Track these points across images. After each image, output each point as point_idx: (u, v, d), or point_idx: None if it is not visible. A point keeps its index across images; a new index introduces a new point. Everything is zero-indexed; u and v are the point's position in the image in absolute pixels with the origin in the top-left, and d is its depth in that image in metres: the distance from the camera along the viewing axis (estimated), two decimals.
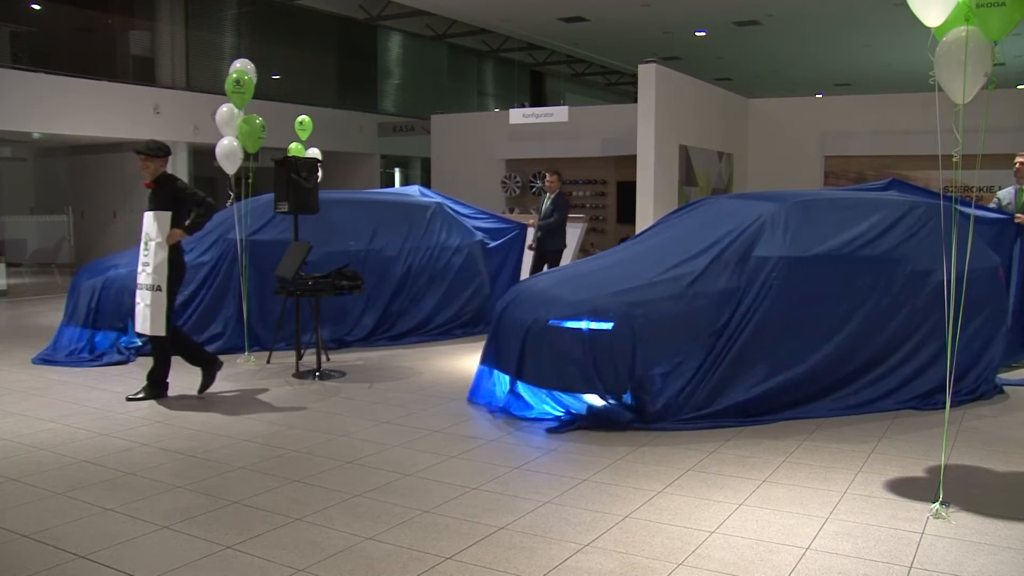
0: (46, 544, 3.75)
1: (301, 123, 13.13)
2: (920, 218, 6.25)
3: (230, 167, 8.23)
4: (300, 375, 7.25)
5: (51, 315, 10.95)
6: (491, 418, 5.92)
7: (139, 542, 3.78)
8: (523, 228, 10.18)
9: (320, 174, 8.10)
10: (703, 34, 18.75)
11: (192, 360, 6.57)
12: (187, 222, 6.22)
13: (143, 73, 16.44)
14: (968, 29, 3.95)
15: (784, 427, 5.57)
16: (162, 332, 6.23)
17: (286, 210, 7.67)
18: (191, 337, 6.91)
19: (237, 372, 7.43)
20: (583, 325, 5.56)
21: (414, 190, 10.31)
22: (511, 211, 16.00)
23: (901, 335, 5.92)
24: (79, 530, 3.91)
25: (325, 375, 7.20)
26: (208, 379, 6.56)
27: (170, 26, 16.77)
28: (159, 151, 6.32)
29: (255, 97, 8.25)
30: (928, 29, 4.10)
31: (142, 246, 6.34)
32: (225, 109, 8.14)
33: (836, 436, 5.37)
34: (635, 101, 11.99)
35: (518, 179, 16.68)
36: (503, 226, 10.11)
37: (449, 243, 9.18)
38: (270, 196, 8.17)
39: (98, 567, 3.53)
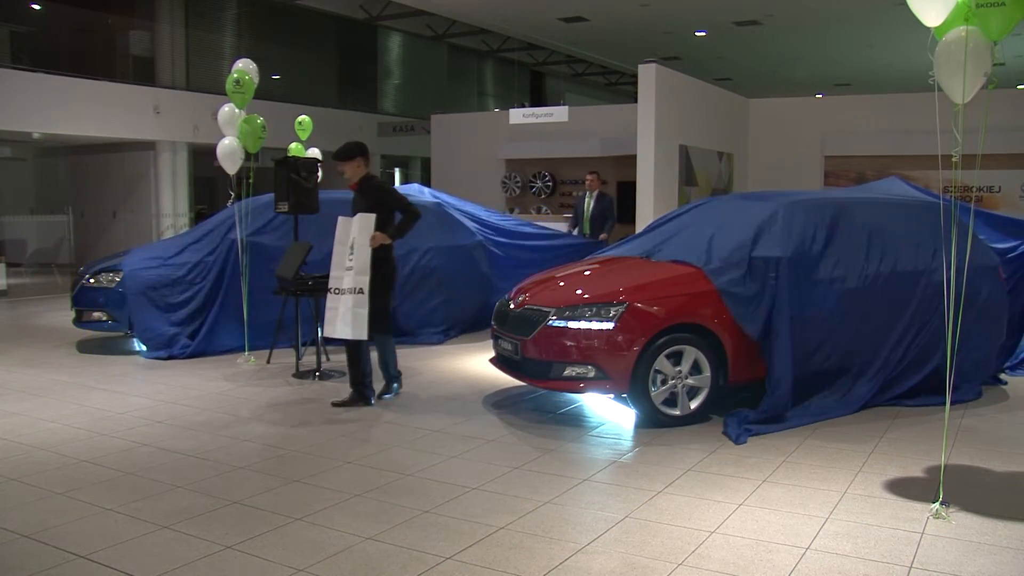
0: (46, 544, 3.76)
1: (301, 123, 13.14)
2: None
3: (231, 167, 8.23)
4: (300, 375, 7.25)
5: (51, 315, 10.96)
6: (491, 418, 5.92)
7: (139, 542, 3.78)
8: (597, 244, 10.16)
9: (320, 174, 8.09)
10: (703, 34, 18.75)
11: (353, 376, 6.35)
12: (392, 228, 6.14)
13: (143, 73, 16.44)
14: (968, 29, 3.95)
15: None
16: (364, 336, 6.05)
17: (286, 210, 7.67)
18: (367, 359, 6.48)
19: (237, 372, 7.43)
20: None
21: (429, 195, 10.22)
22: (512, 211, 16.00)
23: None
24: (79, 530, 3.91)
25: (325, 375, 7.20)
26: (352, 399, 6.29)
27: (170, 26, 16.77)
28: (349, 153, 6.23)
29: (255, 97, 8.25)
30: (928, 29, 4.10)
31: (345, 250, 6.12)
32: (226, 109, 8.14)
33: (836, 436, 5.37)
34: (635, 101, 11.99)
35: (518, 179, 16.67)
36: (574, 244, 10.11)
37: (449, 243, 9.17)
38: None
39: (98, 567, 3.53)
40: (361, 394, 6.28)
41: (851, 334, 5.89)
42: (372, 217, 6.06)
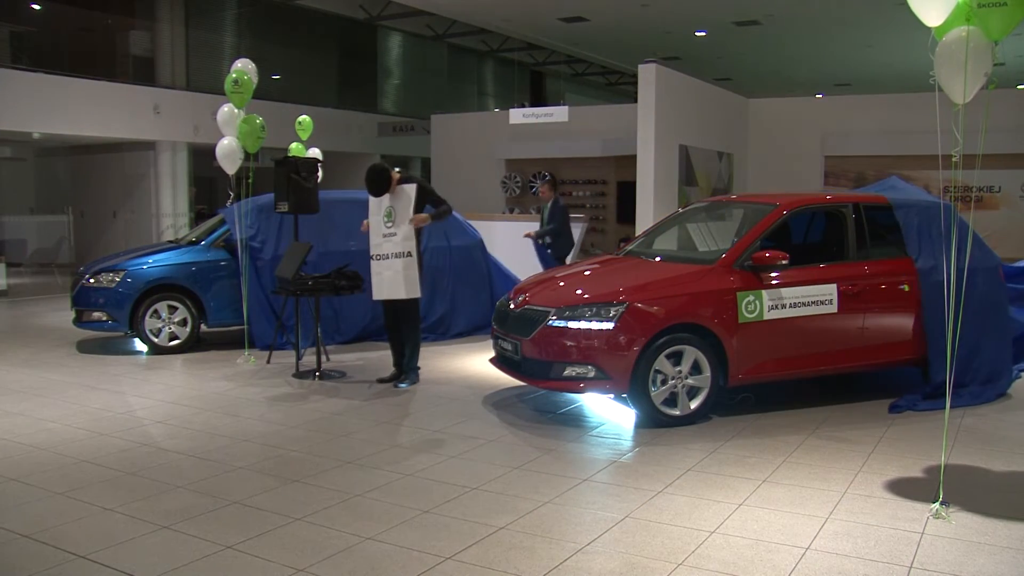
0: (46, 544, 3.76)
1: (301, 123, 13.13)
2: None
3: (230, 167, 8.23)
4: (300, 375, 7.25)
5: (51, 315, 10.96)
6: (491, 418, 5.92)
7: (139, 542, 3.78)
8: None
9: (320, 174, 8.09)
10: (703, 34, 18.76)
11: (398, 355, 7.01)
12: (433, 212, 6.70)
13: (143, 73, 16.44)
14: (968, 29, 3.95)
15: (784, 426, 5.58)
16: (418, 294, 6.59)
17: (286, 210, 7.68)
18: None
19: (237, 372, 7.43)
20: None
21: None
22: (511, 211, 16.01)
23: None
24: (79, 530, 3.91)
25: (325, 375, 7.20)
26: (392, 377, 7.00)
27: (170, 26, 16.77)
28: (382, 185, 6.63)
29: (255, 97, 8.25)
30: (928, 29, 4.10)
31: (379, 220, 6.64)
32: (226, 109, 8.14)
33: (836, 436, 5.37)
34: (635, 101, 11.99)
35: (518, 179, 16.68)
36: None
37: (448, 243, 9.16)
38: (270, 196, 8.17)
39: (98, 567, 3.53)
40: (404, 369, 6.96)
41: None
42: (413, 187, 6.59)
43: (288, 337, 8.16)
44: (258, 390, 6.76)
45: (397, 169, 6.78)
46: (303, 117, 13.24)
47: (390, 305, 6.81)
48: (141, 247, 9.68)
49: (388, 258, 6.59)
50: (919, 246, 6.21)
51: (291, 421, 5.83)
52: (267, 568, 3.52)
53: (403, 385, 6.82)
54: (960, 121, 3.99)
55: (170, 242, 9.72)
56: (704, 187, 13.25)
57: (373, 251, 6.71)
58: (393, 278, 6.57)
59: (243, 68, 8.07)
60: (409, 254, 6.51)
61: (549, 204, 10.15)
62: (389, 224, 6.59)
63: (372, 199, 6.77)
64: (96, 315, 8.24)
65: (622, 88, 27.57)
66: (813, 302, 5.88)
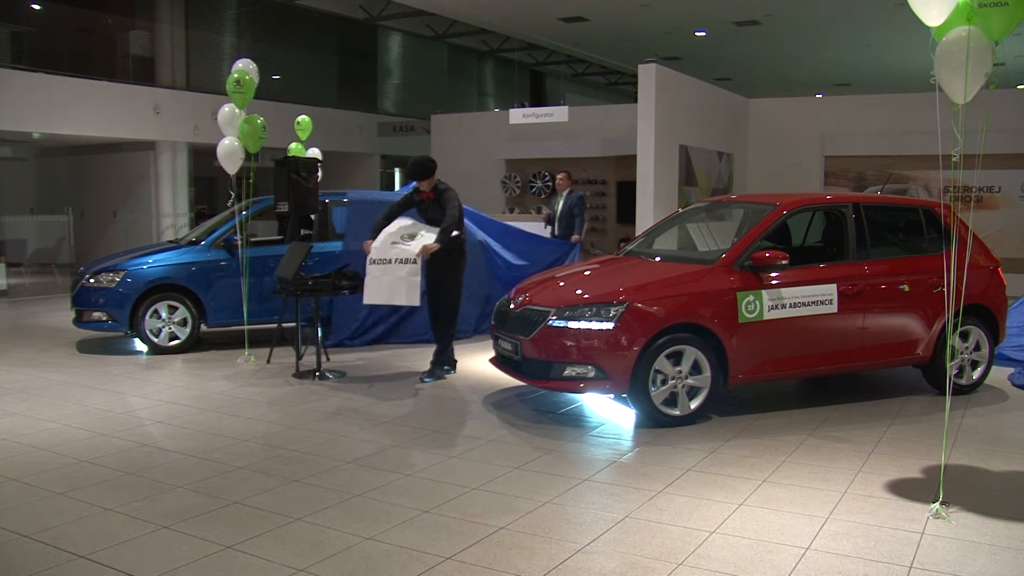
0: (46, 544, 3.75)
1: (300, 123, 13.12)
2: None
3: (231, 167, 8.23)
4: (300, 375, 7.25)
5: (51, 315, 10.96)
6: (491, 418, 5.92)
7: (139, 542, 3.78)
8: (571, 245, 10.01)
9: (320, 174, 8.09)
10: (703, 34, 18.75)
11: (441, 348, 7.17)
12: (436, 238, 6.60)
13: (143, 73, 16.43)
14: (969, 29, 3.95)
15: (784, 426, 5.58)
16: (417, 302, 6.58)
17: (286, 210, 7.68)
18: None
19: (237, 372, 7.44)
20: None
21: None
22: (511, 211, 16.01)
23: None
24: (79, 530, 3.91)
25: (325, 375, 7.20)
26: (434, 368, 7.17)
27: (170, 26, 16.76)
28: (428, 171, 6.78)
29: (255, 97, 8.24)
30: (928, 29, 4.09)
31: (397, 233, 6.67)
32: (227, 109, 8.14)
33: (836, 436, 5.37)
34: (635, 101, 11.98)
35: (518, 179, 16.67)
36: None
37: None
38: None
39: (98, 567, 3.53)
40: (451, 364, 7.25)
41: None
42: (434, 232, 6.63)
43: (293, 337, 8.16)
44: (258, 390, 6.76)
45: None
46: (302, 117, 13.22)
47: (434, 300, 6.98)
48: (141, 247, 9.68)
49: (391, 263, 6.53)
50: None
51: (291, 421, 5.83)
52: (267, 568, 3.52)
53: (428, 380, 6.99)
54: (960, 121, 3.98)
55: (170, 242, 9.72)
56: (704, 187, 13.24)
57: (374, 255, 6.63)
58: (394, 284, 6.51)
59: (244, 68, 8.07)
60: (415, 261, 6.46)
61: (564, 194, 10.40)
62: (406, 239, 6.60)
63: (398, 220, 6.81)
64: (96, 315, 8.24)
65: (622, 88, 27.55)
66: (813, 302, 5.88)
